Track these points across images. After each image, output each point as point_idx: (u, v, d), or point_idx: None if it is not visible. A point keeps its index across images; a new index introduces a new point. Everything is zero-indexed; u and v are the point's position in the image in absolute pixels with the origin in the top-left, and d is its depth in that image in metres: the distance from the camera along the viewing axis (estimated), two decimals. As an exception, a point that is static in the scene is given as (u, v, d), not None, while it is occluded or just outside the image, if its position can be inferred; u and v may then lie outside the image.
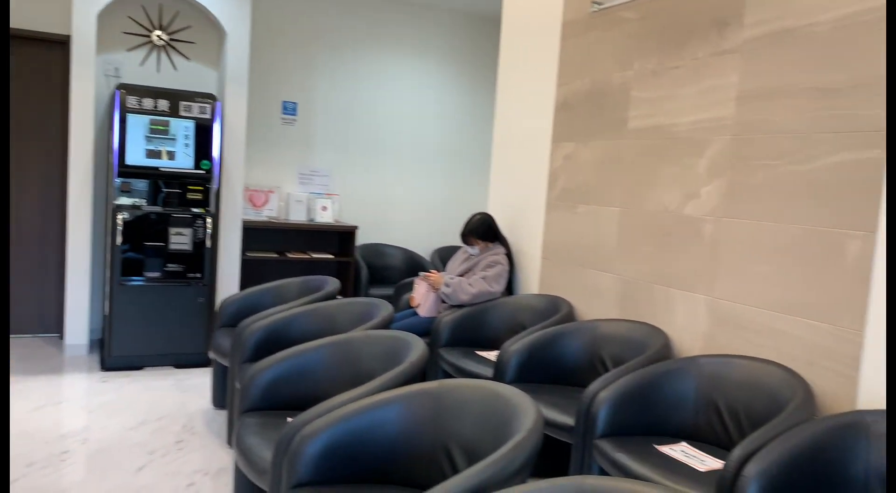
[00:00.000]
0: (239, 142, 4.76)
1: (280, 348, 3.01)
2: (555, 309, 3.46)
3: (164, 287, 4.32)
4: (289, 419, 2.37)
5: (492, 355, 3.36)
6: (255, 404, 2.46)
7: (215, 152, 4.45)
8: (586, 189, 3.44)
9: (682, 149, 2.88)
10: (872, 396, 2.17)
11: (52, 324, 4.86)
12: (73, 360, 4.36)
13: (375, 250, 5.71)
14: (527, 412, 1.75)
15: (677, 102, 2.92)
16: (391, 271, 5.69)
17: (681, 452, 2.35)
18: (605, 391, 2.46)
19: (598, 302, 3.34)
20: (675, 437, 2.51)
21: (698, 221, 2.80)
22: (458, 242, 6.03)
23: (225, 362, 3.29)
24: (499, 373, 2.98)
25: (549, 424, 2.63)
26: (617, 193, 3.24)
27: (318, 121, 5.54)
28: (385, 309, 3.01)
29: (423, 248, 5.96)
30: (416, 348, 2.33)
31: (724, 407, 2.48)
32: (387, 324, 2.91)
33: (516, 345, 3.01)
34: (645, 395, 2.51)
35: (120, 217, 4.17)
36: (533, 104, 3.88)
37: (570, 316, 3.35)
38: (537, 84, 3.85)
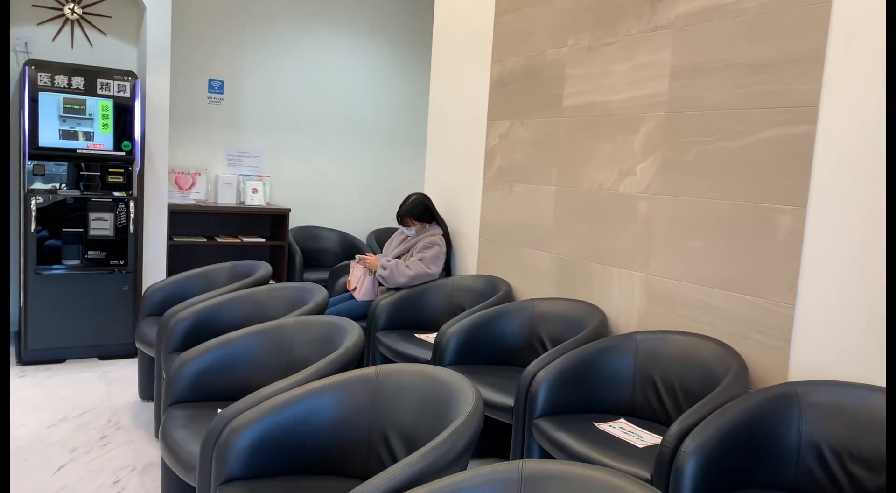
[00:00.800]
0: (162, 122, 4.54)
1: (209, 338, 2.88)
2: (493, 289, 3.44)
3: (85, 275, 4.09)
4: (219, 411, 2.26)
5: (431, 337, 3.31)
6: (182, 396, 2.34)
7: (137, 133, 4.23)
8: (522, 168, 3.40)
9: (617, 126, 2.88)
10: (804, 368, 2.22)
11: (-37, 317, 4.56)
12: (-13, 355, 4.10)
13: (309, 232, 5.57)
14: (466, 395, 1.71)
15: (612, 79, 2.91)
16: (326, 255, 5.57)
17: (619, 428, 2.36)
18: (543, 371, 2.45)
19: (536, 281, 3.32)
20: (614, 414, 2.52)
21: (633, 199, 2.80)
22: (395, 223, 5.95)
23: (151, 353, 3.14)
24: (437, 356, 2.94)
25: (488, 405, 2.60)
26: (553, 171, 3.22)
27: (246, 99, 5.34)
28: (319, 294, 2.91)
29: (359, 230, 5.85)
30: (352, 333, 2.25)
31: (660, 383, 2.50)
32: (321, 309, 2.82)
33: (454, 327, 2.96)
34: (583, 373, 2.50)
35: (34, 202, 3.92)
36: (468, 82, 3.82)
37: (508, 296, 3.33)
38: (472, 61, 3.79)
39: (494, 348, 3.03)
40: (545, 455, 2.38)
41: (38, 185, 3.99)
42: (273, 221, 5.37)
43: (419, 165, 6.03)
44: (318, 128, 5.64)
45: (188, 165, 5.18)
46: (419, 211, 3.76)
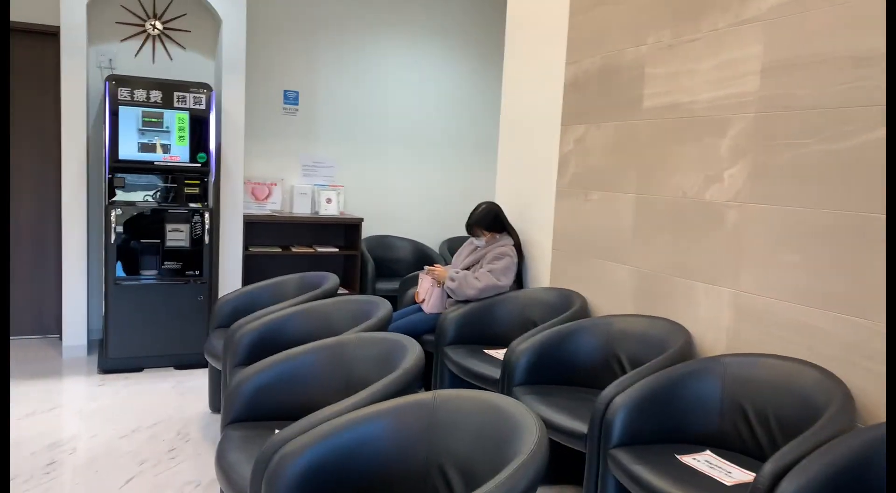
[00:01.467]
0: (237, 133, 4.58)
1: (274, 351, 2.82)
2: (567, 304, 3.25)
3: (162, 286, 4.16)
4: (276, 431, 2.19)
5: (500, 353, 3.16)
6: (240, 415, 2.28)
7: (212, 144, 4.27)
8: (599, 174, 3.21)
9: (702, 128, 2.65)
10: (921, 400, 1.94)
11: (52, 325, 4.74)
12: (71, 362, 4.23)
13: (382, 242, 5.52)
14: (529, 429, 1.55)
15: (695, 78, 2.68)
16: (399, 264, 5.50)
17: (705, 462, 2.14)
18: (621, 396, 2.25)
19: (613, 296, 3.12)
20: (698, 445, 2.29)
21: (720, 207, 2.57)
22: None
23: (219, 366, 3.12)
24: (506, 374, 2.78)
25: (560, 431, 2.43)
26: (632, 178, 3.01)
27: (321, 110, 5.35)
28: (383, 308, 2.81)
29: (432, 239, 5.76)
30: (412, 352, 2.13)
31: (752, 412, 2.26)
32: (384, 324, 2.72)
33: (525, 344, 2.80)
34: (665, 399, 2.29)
35: (114, 214, 4.01)
36: (541, 85, 3.65)
37: (583, 311, 3.14)
38: (545, 64, 3.62)
39: (568, 367, 2.84)
40: (621, 490, 2.18)
41: (116, 197, 4.08)
42: (346, 230, 5.34)
43: (492, 173, 5.88)
44: (392, 137, 5.59)
45: (264, 175, 5.22)
46: (489, 220, 3.61)
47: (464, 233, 5.88)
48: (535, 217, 3.69)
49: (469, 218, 3.64)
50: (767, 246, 2.39)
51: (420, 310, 3.68)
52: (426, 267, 3.70)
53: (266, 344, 2.86)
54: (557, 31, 3.51)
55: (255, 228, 5.11)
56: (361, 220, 5.13)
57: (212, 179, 4.30)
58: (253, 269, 5.13)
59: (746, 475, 2.06)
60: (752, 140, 2.45)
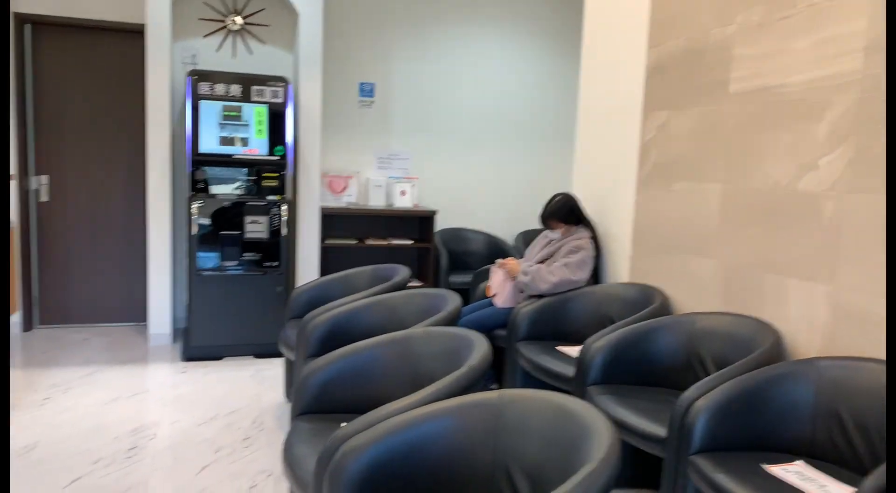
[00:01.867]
0: (314, 126, 4.62)
1: (344, 343, 2.82)
2: (647, 300, 3.10)
3: (242, 277, 4.25)
4: (343, 425, 2.17)
5: (574, 350, 3.05)
6: (309, 407, 2.27)
7: (289, 137, 4.32)
8: (683, 163, 3.04)
9: (796, 113, 2.45)
10: None
11: (140, 313, 4.93)
12: (156, 350, 4.38)
13: (456, 234, 5.46)
14: (600, 434, 1.45)
15: (789, 58, 2.48)
16: (472, 257, 5.43)
17: (795, 473, 1.98)
18: (703, 399, 2.11)
19: (696, 292, 2.95)
20: (787, 454, 2.13)
21: (817, 198, 2.37)
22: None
23: (292, 357, 3.14)
24: (581, 373, 2.67)
25: (636, 434, 2.30)
26: (718, 166, 2.83)
27: (396, 102, 5.33)
28: (451, 302, 2.75)
29: (506, 232, 5.66)
30: (479, 348, 2.06)
31: (849, 420, 2.08)
32: (452, 319, 2.66)
33: (601, 341, 2.68)
34: (752, 404, 2.14)
35: (195, 206, 4.12)
36: (621, 71, 3.50)
37: (664, 308, 2.98)
38: (626, 48, 3.46)
39: (646, 367, 2.70)
40: (702, 499, 2.05)
41: (200, 189, 4.18)
42: (420, 223, 5.32)
43: (568, 164, 5.73)
44: (467, 128, 5.52)
45: (340, 168, 5.26)
46: (564, 212, 3.49)
47: (539, 225, 5.76)
48: (613, 209, 3.55)
49: (544, 210, 3.53)
50: (869, 240, 2.19)
51: (492, 304, 3.61)
52: (498, 261, 3.62)
53: (337, 336, 2.86)
54: (639, 13, 3.35)
55: (332, 221, 5.15)
56: (435, 212, 5.09)
57: (289, 171, 4.35)
58: (329, 260, 5.19)
59: (843, 490, 1.89)
60: (853, 124, 2.24)
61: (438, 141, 5.46)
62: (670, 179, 3.11)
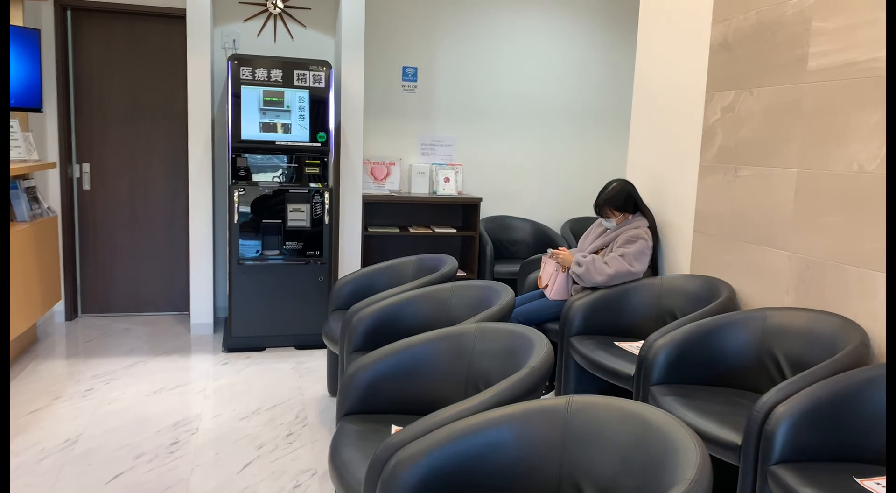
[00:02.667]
0: (356, 111, 4.49)
1: (391, 337, 2.70)
2: (712, 294, 2.90)
3: (284, 266, 4.15)
4: (394, 428, 2.04)
5: (633, 346, 2.88)
6: (356, 407, 2.15)
7: (331, 124, 4.21)
8: (752, 147, 2.82)
9: (884, 90, 2.23)
10: None
11: (183, 302, 4.89)
12: (198, 340, 4.33)
13: (501, 223, 5.30)
14: (687, 451, 1.29)
15: (878, 30, 2.26)
16: (518, 246, 5.26)
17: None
18: (784, 405, 1.93)
19: (767, 286, 2.74)
20: (879, 465, 1.93)
21: (911, 184, 2.15)
22: (591, 213, 5.50)
23: (336, 350, 3.03)
24: (643, 372, 2.50)
25: (707, 440, 2.13)
26: (793, 150, 2.61)
27: (440, 86, 5.18)
28: (504, 296, 2.60)
29: (553, 220, 5.48)
30: (539, 348, 1.91)
31: (953, 431, 1.87)
32: (506, 313, 2.51)
33: (664, 339, 2.50)
34: (839, 411, 1.95)
35: (237, 194, 4.03)
36: (682, 48, 3.28)
37: (731, 303, 2.78)
38: (687, 24, 3.24)
39: (713, 366, 2.52)
40: (786, 515, 1.87)
41: (242, 177, 4.10)
42: (464, 211, 5.17)
43: (619, 149, 5.51)
44: (512, 112, 5.33)
45: (383, 155, 5.13)
46: (621, 200, 3.30)
47: (588, 213, 5.60)
48: (673, 196, 3.35)
49: (598, 197, 3.35)
50: (975, 230, 1.96)
51: (542, 296, 3.45)
52: (549, 250, 3.45)
53: (383, 329, 2.73)
54: (702, -13, 3.13)
55: (374, 208, 5.03)
56: (480, 200, 4.93)
57: (331, 158, 4.24)
58: (371, 249, 5.07)
59: (950, 510, 1.68)
60: (956, 101, 2.01)
61: (483, 126, 5.29)
62: (738, 164, 2.90)
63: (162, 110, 4.70)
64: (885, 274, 2.24)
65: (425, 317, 2.77)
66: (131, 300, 4.84)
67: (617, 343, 2.95)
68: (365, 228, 4.80)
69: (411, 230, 4.92)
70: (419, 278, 3.29)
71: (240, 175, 4.10)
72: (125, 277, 4.80)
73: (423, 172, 5.09)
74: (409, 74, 5.10)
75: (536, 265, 3.90)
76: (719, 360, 2.52)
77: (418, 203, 5.10)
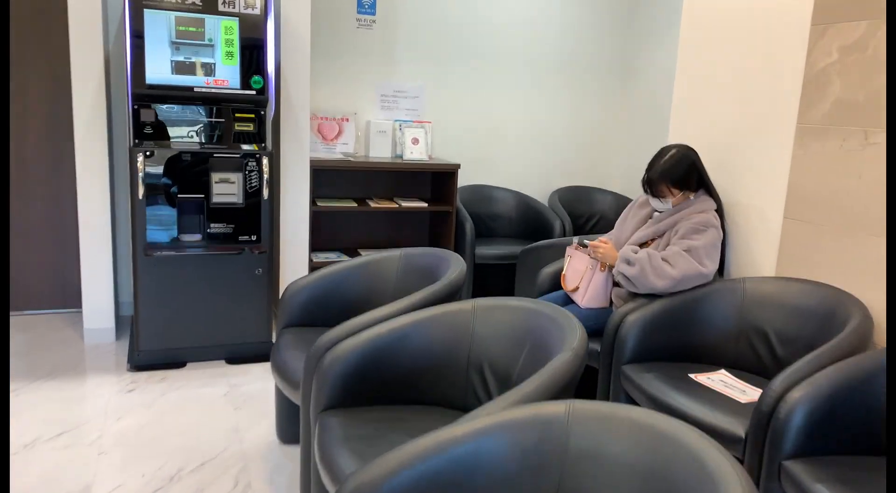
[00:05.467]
0: (302, 49, 3.43)
1: (382, 388, 1.78)
2: (828, 309, 2.08)
3: (208, 257, 3.12)
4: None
5: (716, 379, 2.06)
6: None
7: (270, 65, 3.15)
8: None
9: None
10: None
11: (74, 296, 3.78)
12: (95, 352, 3.26)
13: (479, 194, 4.38)
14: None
15: None
16: (500, 222, 4.37)
17: None
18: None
19: (917, 300, 1.94)
20: None
21: None
22: (585, 181, 4.66)
23: (293, 397, 2.06)
24: (770, 438, 1.66)
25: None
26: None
27: (404, 21, 4.14)
28: (571, 332, 1.69)
29: (540, 191, 4.60)
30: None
31: None
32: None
33: (803, 390, 1.66)
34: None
35: (140, 159, 2.95)
36: (766, -33, 2.40)
37: (866, 326, 1.96)
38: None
39: (871, 429, 1.70)
40: None
41: (148, 136, 3.02)
42: (434, 179, 4.21)
43: (622, 107, 4.64)
44: (493, 57, 4.36)
45: (332, 108, 4.09)
46: (682, 172, 2.43)
47: (582, 181, 4.73)
48: (750, 169, 2.50)
49: (651, 168, 2.47)
50: None
51: (567, 300, 2.58)
52: (580, 240, 2.57)
53: (371, 375, 1.79)
54: None
55: (322, 177, 4.01)
56: (457, 167, 3.97)
57: (270, 112, 3.19)
58: (320, 229, 4.07)
59: None
60: None
61: (457, 74, 4.31)
62: (866, 126, 2.06)
63: (34, 50, 3.51)
64: None
65: (434, 347, 1.84)
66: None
67: (693, 376, 2.12)
68: (312, 201, 3.78)
69: (371, 205, 3.93)
70: (409, 284, 2.35)
71: (145, 133, 3.01)
72: (-6, 266, 3.64)
73: (384, 131, 4.09)
74: (366, 4, 4.05)
75: (545, 255, 3.03)
76: (878, 421, 1.71)
77: (379, 171, 4.10)
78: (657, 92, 4.36)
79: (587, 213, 4.54)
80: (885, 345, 1.93)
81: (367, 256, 2.52)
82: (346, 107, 4.11)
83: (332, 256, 3.91)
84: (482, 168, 4.45)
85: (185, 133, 3.07)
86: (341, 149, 4.07)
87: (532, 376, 1.43)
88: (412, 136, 4.05)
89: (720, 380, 2.12)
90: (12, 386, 2.85)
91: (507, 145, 4.50)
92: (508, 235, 4.35)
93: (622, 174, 4.67)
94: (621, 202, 4.52)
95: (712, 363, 2.27)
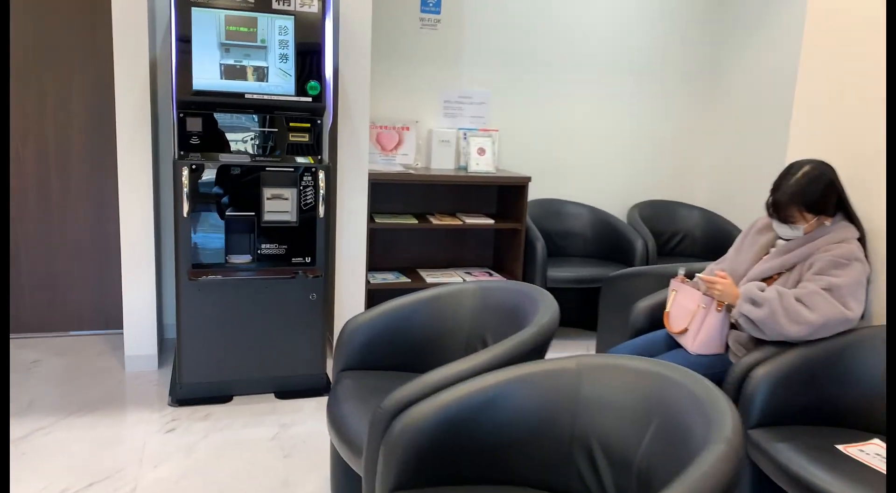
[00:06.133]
0: (362, 51, 3.12)
1: (462, 458, 1.42)
2: None
3: (258, 281, 2.83)
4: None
5: (869, 451, 1.64)
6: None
7: (327, 69, 2.84)
8: None
9: None
10: None
11: (117, 317, 3.55)
12: (136, 380, 3.00)
13: (549, 208, 4.01)
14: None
15: None
16: (572, 241, 3.99)
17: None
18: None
19: None
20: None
21: None
22: (669, 195, 4.24)
23: (352, 462, 1.72)
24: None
25: None
26: None
27: (470, 21, 3.81)
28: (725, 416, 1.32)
29: (616, 204, 4.20)
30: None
31: None
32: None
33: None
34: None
35: (185, 174, 2.67)
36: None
37: None
38: None
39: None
40: None
41: (194, 150, 2.74)
42: (500, 193, 3.85)
43: (714, 109, 4.21)
44: (567, 57, 3.99)
45: (392, 116, 3.78)
46: (818, 193, 2.02)
47: (666, 196, 4.30)
48: None
49: (777, 188, 2.06)
50: None
51: (671, 343, 2.19)
52: (687, 270, 2.18)
53: (453, 446, 1.44)
54: None
55: (380, 191, 3.70)
56: (528, 180, 3.61)
57: (328, 120, 2.89)
58: (376, 246, 3.76)
59: None
60: None
61: (525, 76, 3.95)
62: None
63: (79, 51, 3.29)
64: None
65: (532, 425, 1.48)
66: (43, 316, 3.48)
67: (842, 449, 1.70)
68: (370, 218, 3.47)
69: (433, 222, 3.60)
70: (486, 324, 2.00)
71: (191, 144, 2.74)
72: (34, 283, 3.43)
73: (447, 141, 3.75)
74: (430, 3, 3.72)
75: (635, 284, 2.65)
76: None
77: (442, 184, 3.77)
78: (749, 96, 3.92)
79: (670, 230, 4.12)
80: None
81: (436, 289, 2.17)
82: (406, 114, 3.79)
83: (389, 276, 3.59)
84: (552, 180, 4.08)
85: (235, 144, 2.79)
86: (401, 160, 3.75)
87: (676, 481, 1.06)
88: (478, 145, 3.70)
89: (875, 453, 1.70)
90: (44, 422, 2.60)
91: (581, 155, 4.11)
92: (582, 255, 3.96)
93: (709, 187, 4.24)
94: (709, 219, 4.09)
95: (861, 429, 1.85)
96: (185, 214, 2.70)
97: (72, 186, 3.39)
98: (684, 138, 4.23)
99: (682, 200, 4.24)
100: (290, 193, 2.82)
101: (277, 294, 2.86)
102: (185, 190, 2.68)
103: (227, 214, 2.76)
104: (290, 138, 2.86)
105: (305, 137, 2.88)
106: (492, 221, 3.65)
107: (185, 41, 2.66)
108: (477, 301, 2.11)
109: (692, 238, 4.13)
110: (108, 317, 3.55)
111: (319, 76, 2.83)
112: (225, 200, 2.73)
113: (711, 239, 4.07)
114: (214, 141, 2.76)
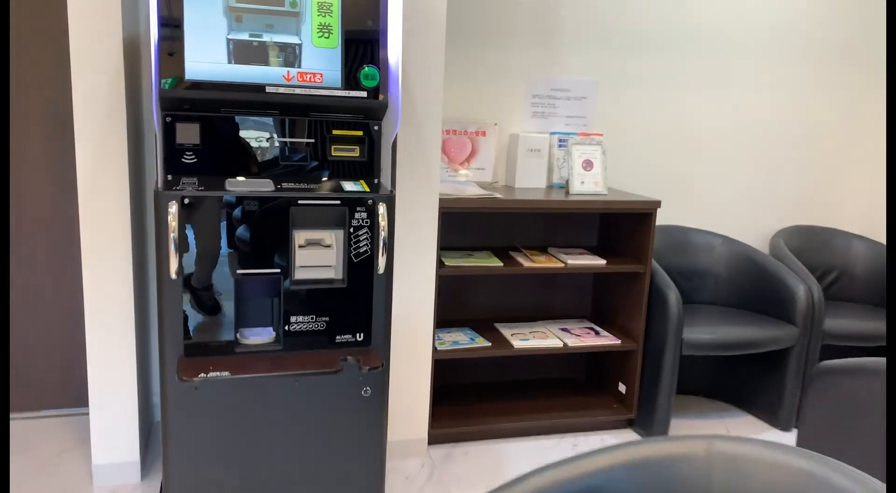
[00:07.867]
0: (434, 28, 2.14)
1: None
2: None
3: (282, 378, 1.84)
4: None
5: None
6: None
7: (388, 50, 1.85)
8: None
9: None
10: None
11: (82, 393, 2.60)
12: (106, 513, 2.05)
13: (670, 239, 3.01)
14: None
15: None
16: (700, 281, 2.98)
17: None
18: None
19: None
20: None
21: None
22: (819, 219, 3.23)
23: None
24: None
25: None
26: None
27: (565, -10, 2.81)
28: None
29: (755, 232, 3.19)
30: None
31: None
32: None
33: None
34: None
35: (173, 210, 1.70)
36: None
37: None
38: None
39: None
40: None
41: (188, 172, 1.78)
42: (605, 221, 2.85)
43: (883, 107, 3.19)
44: (692, 41, 2.98)
45: (463, 117, 2.79)
46: None
47: (812, 220, 3.24)
48: None
49: None
50: None
51: None
52: None
53: None
54: None
55: (447, 219, 2.71)
56: (657, 205, 2.60)
57: (394, 127, 1.91)
58: (441, 293, 2.77)
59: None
60: None
61: (635, 65, 2.94)
62: None
63: (35, 35, 2.34)
64: None
65: None
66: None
67: None
68: (439, 261, 2.47)
69: (523, 263, 2.59)
70: None
71: (184, 164, 1.77)
72: (-26, 353, 2.48)
73: (537, 150, 2.76)
74: (519, -37, 2.72)
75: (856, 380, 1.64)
76: None
77: (532, 213, 2.77)
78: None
79: (823, 265, 3.12)
80: None
81: (643, 450, 1.22)
82: (481, 114, 2.80)
83: (460, 336, 2.61)
84: (672, 202, 3.07)
85: (250, 163, 1.81)
86: (476, 176, 2.76)
87: None
88: (583, 156, 2.70)
89: None
90: None
91: (709, 168, 3.10)
92: (716, 302, 2.96)
93: (863, 211, 3.22)
94: (875, 252, 3.07)
95: None
96: (172, 275, 1.73)
97: (28, 217, 2.44)
98: (846, 146, 3.21)
99: (835, 226, 3.23)
100: (333, 238, 1.84)
101: (314, 392, 1.88)
102: (173, 235, 1.70)
103: (237, 271, 1.78)
104: (334, 153, 1.88)
105: (356, 152, 1.89)
106: (602, 262, 2.64)
107: (172, 5, 1.68)
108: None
109: (850, 276, 3.13)
110: (80, 390, 2.61)
111: (378, 60, 1.84)
112: (231, 251, 1.76)
113: (876, 276, 3.07)
114: (219, 159, 1.78)
